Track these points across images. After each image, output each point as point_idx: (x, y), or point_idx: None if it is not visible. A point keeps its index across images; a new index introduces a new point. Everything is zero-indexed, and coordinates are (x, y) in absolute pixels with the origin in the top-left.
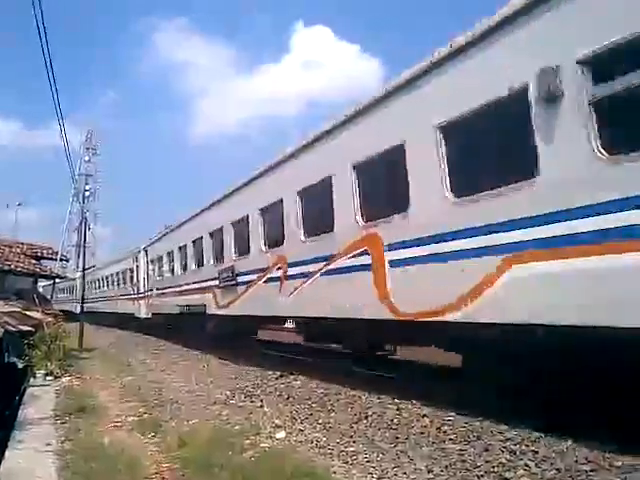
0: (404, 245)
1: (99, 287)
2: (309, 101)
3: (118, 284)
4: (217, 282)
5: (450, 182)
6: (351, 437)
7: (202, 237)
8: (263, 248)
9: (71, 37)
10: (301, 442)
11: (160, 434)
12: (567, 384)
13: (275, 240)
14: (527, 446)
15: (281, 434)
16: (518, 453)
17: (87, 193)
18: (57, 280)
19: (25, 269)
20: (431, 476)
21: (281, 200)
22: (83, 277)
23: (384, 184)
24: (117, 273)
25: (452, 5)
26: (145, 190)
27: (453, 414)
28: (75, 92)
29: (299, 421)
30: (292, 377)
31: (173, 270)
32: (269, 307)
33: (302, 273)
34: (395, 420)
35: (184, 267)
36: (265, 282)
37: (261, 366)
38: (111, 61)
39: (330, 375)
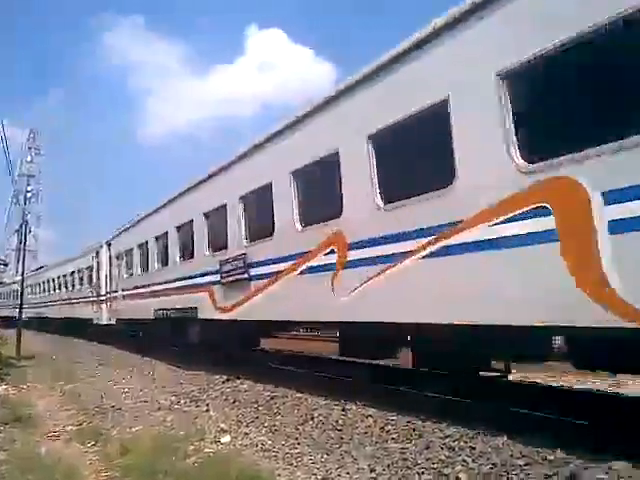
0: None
1: (49, 290)
2: (264, 103)
3: (73, 285)
4: (216, 277)
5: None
6: (296, 439)
7: (192, 220)
8: (297, 225)
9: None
10: (246, 446)
11: (101, 442)
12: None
13: (321, 210)
14: (465, 442)
15: (226, 438)
16: (457, 449)
17: (29, 194)
18: None
19: None
20: (373, 475)
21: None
22: (22, 281)
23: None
24: (72, 273)
25: (402, 11)
26: (95, 191)
27: (396, 413)
28: (18, 91)
29: (245, 424)
30: (239, 381)
31: (147, 266)
32: (309, 309)
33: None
34: (340, 421)
35: (163, 261)
36: (301, 274)
37: (208, 371)
38: (62, 59)
39: (277, 378)
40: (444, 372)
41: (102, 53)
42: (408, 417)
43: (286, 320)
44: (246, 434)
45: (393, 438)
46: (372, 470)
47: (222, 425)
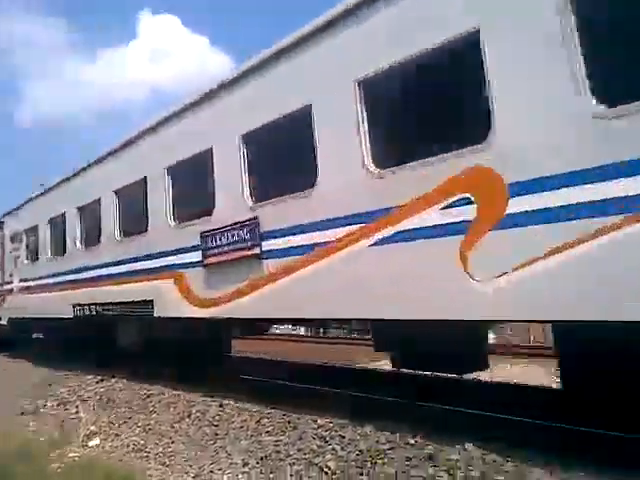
0: None
1: None
2: (155, 88)
3: None
4: (192, 256)
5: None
6: (171, 437)
7: (146, 178)
8: (370, 166)
9: None
10: (117, 447)
11: None
12: None
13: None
14: (336, 431)
15: (95, 441)
16: (328, 439)
17: None
18: None
19: None
20: (246, 469)
21: None
22: None
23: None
24: None
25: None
26: None
27: (273, 407)
28: None
29: (117, 425)
30: (114, 380)
31: (64, 246)
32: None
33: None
34: (217, 417)
35: (91, 238)
36: (380, 244)
37: (81, 370)
38: None
39: (153, 377)
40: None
41: None
42: (284, 410)
43: (358, 317)
44: (117, 435)
45: (268, 431)
46: (245, 464)
47: (92, 427)
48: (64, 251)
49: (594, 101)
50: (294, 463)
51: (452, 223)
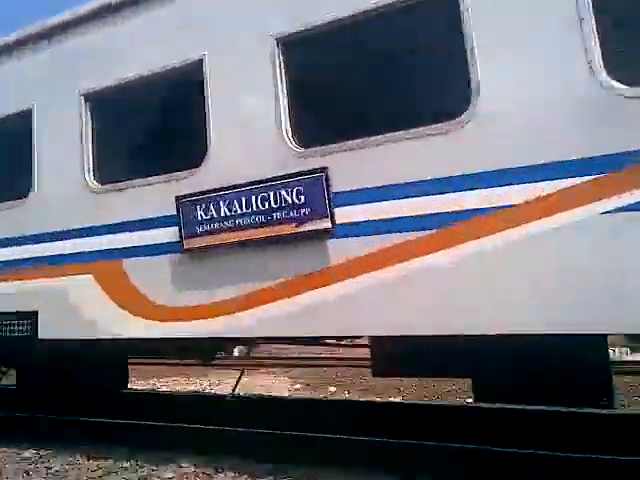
0: None
1: None
2: None
3: None
4: (154, 237)
5: None
6: None
7: (32, 110)
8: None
9: None
10: None
11: None
12: None
13: None
14: (42, 463)
15: None
16: (32, 473)
17: None
18: None
19: None
20: None
21: None
22: None
23: None
24: None
25: None
26: None
27: None
28: None
29: None
30: None
31: None
32: None
33: None
34: None
35: None
36: None
37: None
38: None
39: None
40: None
41: None
42: None
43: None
44: None
45: None
46: None
47: None
48: None
49: None
50: None
51: None
